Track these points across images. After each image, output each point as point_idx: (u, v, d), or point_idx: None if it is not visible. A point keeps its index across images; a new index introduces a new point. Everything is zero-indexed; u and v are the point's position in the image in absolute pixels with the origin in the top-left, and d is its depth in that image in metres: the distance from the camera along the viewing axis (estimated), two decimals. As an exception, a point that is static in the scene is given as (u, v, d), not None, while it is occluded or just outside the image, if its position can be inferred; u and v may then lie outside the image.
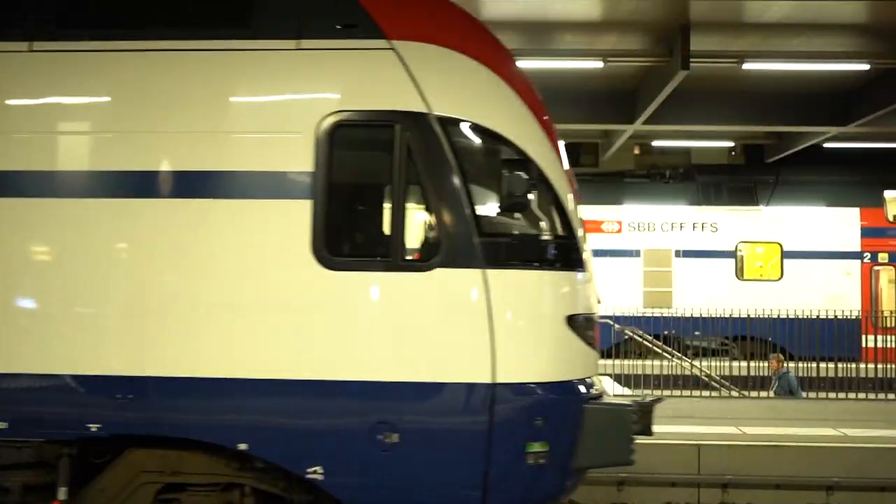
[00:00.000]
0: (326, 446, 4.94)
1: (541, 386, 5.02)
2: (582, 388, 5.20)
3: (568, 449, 5.07)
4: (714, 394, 12.18)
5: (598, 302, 5.88)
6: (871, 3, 10.56)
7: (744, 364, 13.10)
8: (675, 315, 13.65)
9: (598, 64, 11.84)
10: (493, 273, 4.92)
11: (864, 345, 16.19)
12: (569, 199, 5.27)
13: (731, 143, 17.89)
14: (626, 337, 13.32)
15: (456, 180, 4.98)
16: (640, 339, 13.95)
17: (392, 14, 5.25)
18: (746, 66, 11.84)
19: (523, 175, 4.96)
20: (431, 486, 4.97)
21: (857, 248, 17.77)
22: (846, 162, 20.16)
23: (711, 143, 18.22)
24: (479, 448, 4.89)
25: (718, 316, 12.55)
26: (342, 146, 5.05)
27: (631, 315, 13.61)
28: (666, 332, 14.65)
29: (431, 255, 4.98)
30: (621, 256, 17.86)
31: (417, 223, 5.14)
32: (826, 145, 17.25)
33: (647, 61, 12.04)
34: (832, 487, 8.17)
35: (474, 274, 4.92)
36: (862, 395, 11.71)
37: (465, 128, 5.11)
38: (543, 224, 5.30)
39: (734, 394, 12.04)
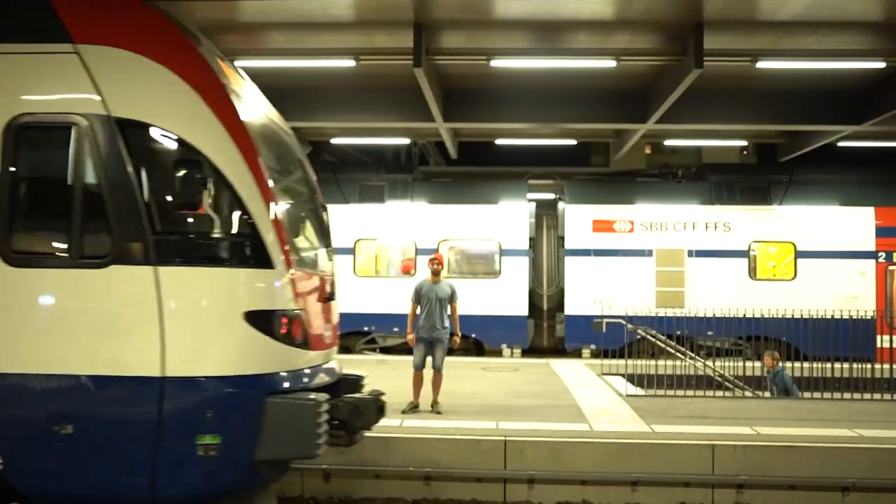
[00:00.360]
0: (6, 435, 5.20)
1: (212, 380, 5.27)
2: (265, 382, 5.41)
3: (243, 441, 5.30)
4: (727, 394, 12.13)
5: (329, 296, 6.41)
6: (886, 0, 10.49)
7: (758, 364, 13.03)
8: (687, 315, 13.59)
9: (610, 63, 11.80)
10: (164, 270, 5.25)
11: (878, 345, 16.13)
12: (254, 199, 5.46)
13: (743, 143, 17.79)
14: (639, 337, 13.26)
15: (131, 180, 5.28)
16: (653, 339, 13.88)
17: (82, 17, 5.52)
18: (760, 64, 11.76)
19: (198, 175, 5.24)
20: (104, 475, 5.23)
21: (872, 248, 17.66)
22: (860, 161, 20.07)
23: (723, 142, 18.11)
24: (147, 439, 5.18)
25: (731, 316, 12.48)
26: (26, 147, 5.37)
27: (643, 315, 13.55)
28: (679, 332, 14.60)
29: (107, 253, 5.28)
30: (633, 256, 17.85)
31: (95, 221, 5.36)
32: (840, 144, 17.13)
33: (660, 60, 11.99)
34: (848, 488, 8.15)
35: (146, 271, 5.23)
36: (877, 396, 11.64)
37: (142, 129, 5.38)
38: (220, 223, 5.56)
39: (748, 394, 11.97)
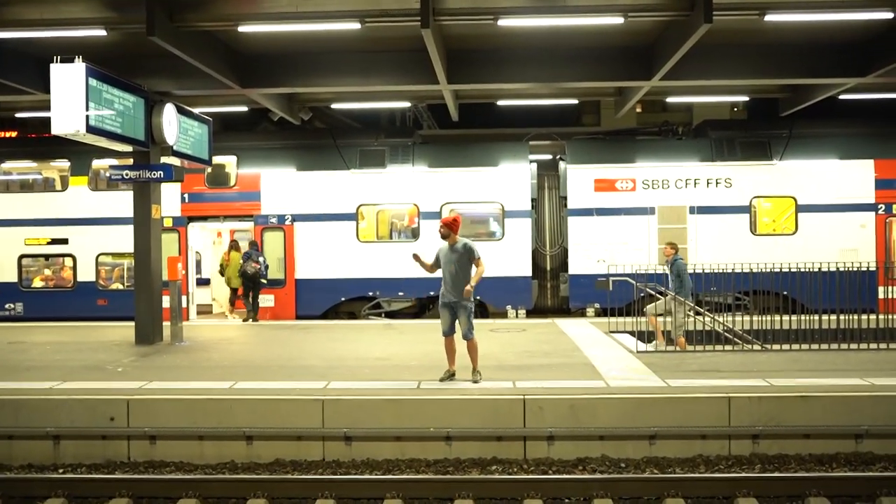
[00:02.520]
0: None
1: None
2: None
3: None
4: (737, 348, 12.26)
5: None
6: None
7: (766, 318, 13.14)
8: (690, 271, 13.65)
9: (618, 20, 11.70)
10: None
11: (881, 296, 16.30)
12: None
13: (745, 98, 17.77)
14: (642, 294, 13.33)
15: None
16: (661, 297, 13.97)
17: None
18: (769, 17, 11.66)
19: None
20: None
21: (872, 200, 17.79)
22: (859, 114, 20.07)
23: (725, 97, 18.09)
24: None
25: (734, 271, 12.57)
26: None
27: (646, 273, 13.61)
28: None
29: None
30: (636, 214, 17.93)
31: None
32: (842, 97, 17.11)
33: (667, 15, 11.87)
34: (861, 436, 8.31)
35: None
36: (883, 346, 11.80)
37: None
38: None
39: (756, 347, 12.11)
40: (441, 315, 9.84)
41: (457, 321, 9.78)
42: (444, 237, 9.76)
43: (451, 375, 9.81)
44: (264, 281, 17.51)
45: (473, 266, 9.67)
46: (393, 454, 8.44)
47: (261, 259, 17.42)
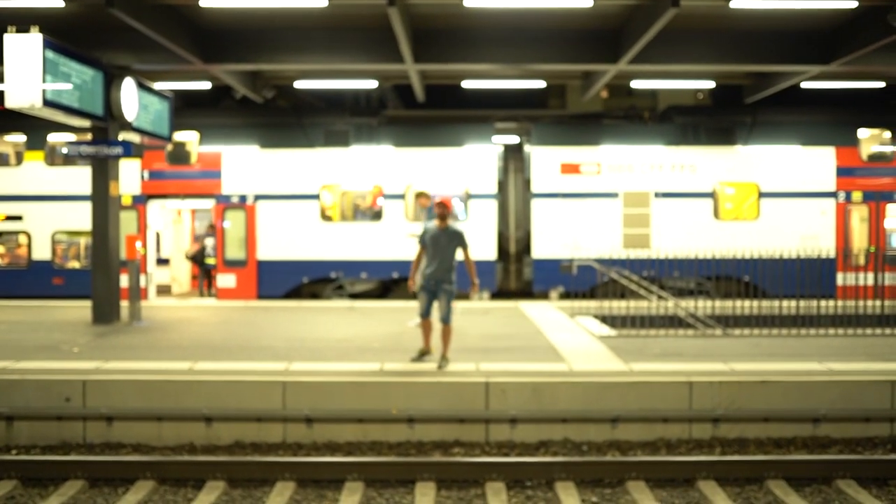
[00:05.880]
0: None
1: None
2: None
3: None
4: (698, 332, 12.37)
5: None
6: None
7: (728, 304, 13.28)
8: (653, 257, 13.74)
9: (587, 3, 11.64)
10: None
11: (839, 283, 16.58)
12: None
13: (711, 84, 17.87)
14: (606, 279, 13.40)
15: None
16: (626, 282, 14.06)
17: None
18: (734, 3, 11.68)
19: None
20: None
21: (833, 188, 18.03)
22: (822, 102, 20.32)
23: (690, 83, 18.16)
24: None
25: (696, 257, 12.67)
26: None
27: (611, 258, 13.66)
28: (644, 274, 14.80)
29: None
30: (600, 198, 17.97)
31: None
32: (805, 85, 17.29)
33: (635, -1, 11.91)
34: (818, 419, 8.44)
35: None
36: (840, 332, 11.99)
37: None
38: None
39: (718, 332, 12.23)
40: (419, 297, 9.71)
41: (434, 304, 9.66)
42: (440, 217, 9.52)
43: (423, 354, 9.78)
44: (211, 261, 18.80)
45: (459, 251, 9.57)
46: (355, 436, 8.38)
47: (207, 241, 18.98)
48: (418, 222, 12.36)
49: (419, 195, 12.81)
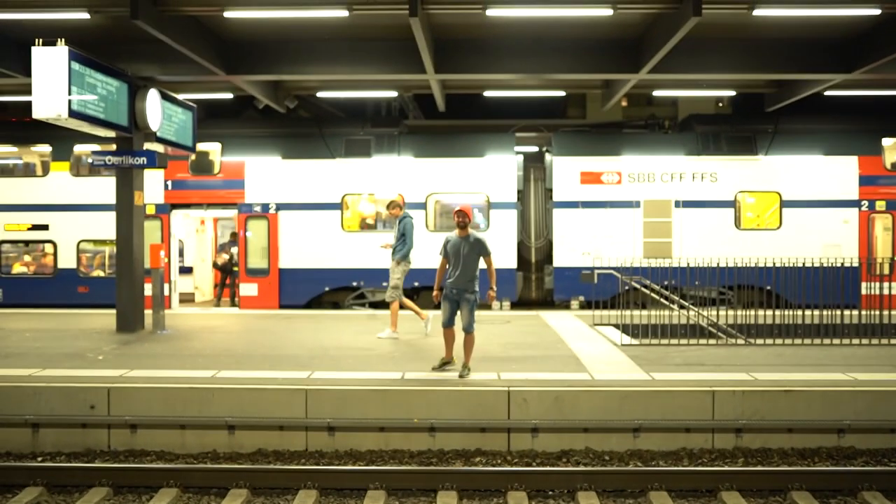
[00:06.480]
0: None
1: None
2: None
3: None
4: (720, 342, 12.30)
5: None
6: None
7: (750, 313, 13.20)
8: (674, 265, 13.69)
9: (607, 11, 11.64)
10: None
11: (863, 292, 16.41)
12: None
13: (732, 93, 17.81)
14: (627, 287, 13.36)
15: None
16: (647, 291, 14.02)
17: None
18: (757, 11, 11.64)
19: None
20: None
21: (856, 196, 17.90)
22: (844, 110, 20.16)
23: (712, 92, 18.13)
24: None
25: (718, 265, 12.61)
26: None
27: (632, 266, 13.63)
28: (666, 283, 14.73)
29: None
30: (621, 207, 17.94)
31: None
32: (827, 93, 17.19)
33: (656, 7, 11.82)
34: (843, 430, 8.34)
35: None
36: (865, 341, 11.87)
37: None
38: None
39: (740, 341, 12.15)
40: (442, 306, 9.71)
41: (458, 313, 9.65)
42: (460, 227, 9.57)
43: (445, 364, 9.77)
44: (236, 269, 18.82)
45: (481, 260, 9.60)
46: (376, 445, 8.40)
47: (233, 250, 18.86)
48: (389, 233, 12.39)
49: (391, 204, 12.93)
